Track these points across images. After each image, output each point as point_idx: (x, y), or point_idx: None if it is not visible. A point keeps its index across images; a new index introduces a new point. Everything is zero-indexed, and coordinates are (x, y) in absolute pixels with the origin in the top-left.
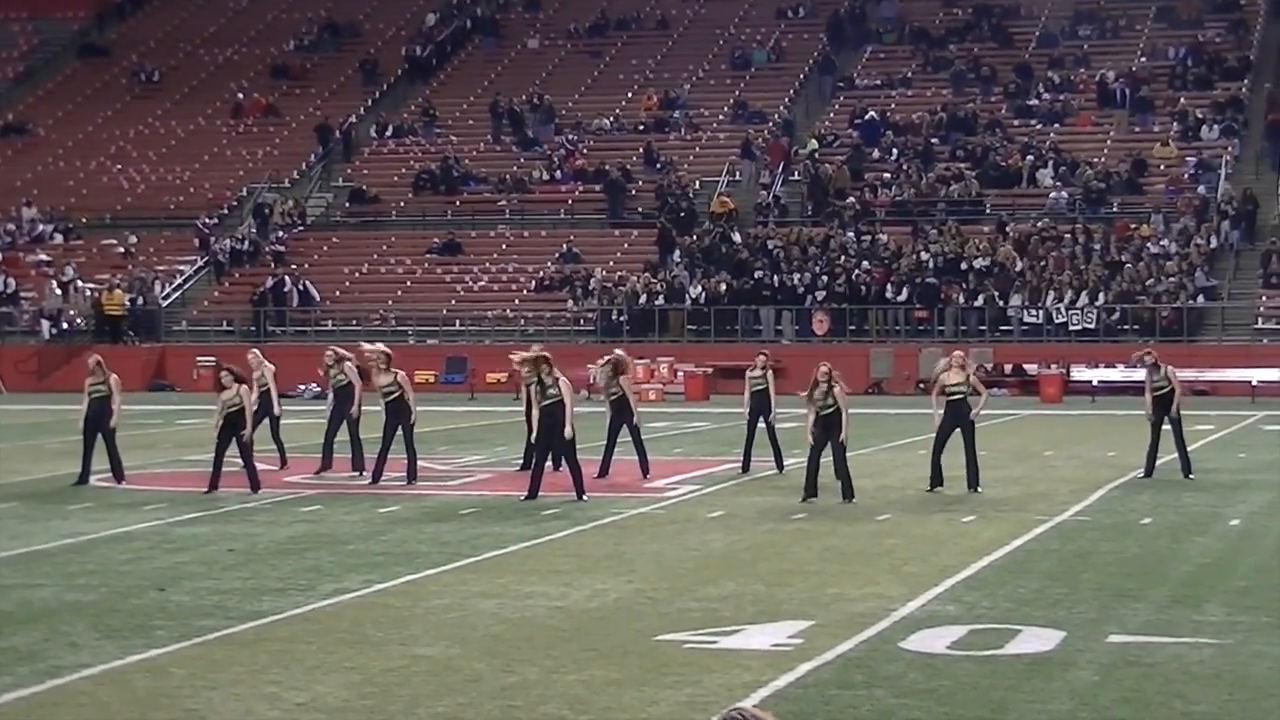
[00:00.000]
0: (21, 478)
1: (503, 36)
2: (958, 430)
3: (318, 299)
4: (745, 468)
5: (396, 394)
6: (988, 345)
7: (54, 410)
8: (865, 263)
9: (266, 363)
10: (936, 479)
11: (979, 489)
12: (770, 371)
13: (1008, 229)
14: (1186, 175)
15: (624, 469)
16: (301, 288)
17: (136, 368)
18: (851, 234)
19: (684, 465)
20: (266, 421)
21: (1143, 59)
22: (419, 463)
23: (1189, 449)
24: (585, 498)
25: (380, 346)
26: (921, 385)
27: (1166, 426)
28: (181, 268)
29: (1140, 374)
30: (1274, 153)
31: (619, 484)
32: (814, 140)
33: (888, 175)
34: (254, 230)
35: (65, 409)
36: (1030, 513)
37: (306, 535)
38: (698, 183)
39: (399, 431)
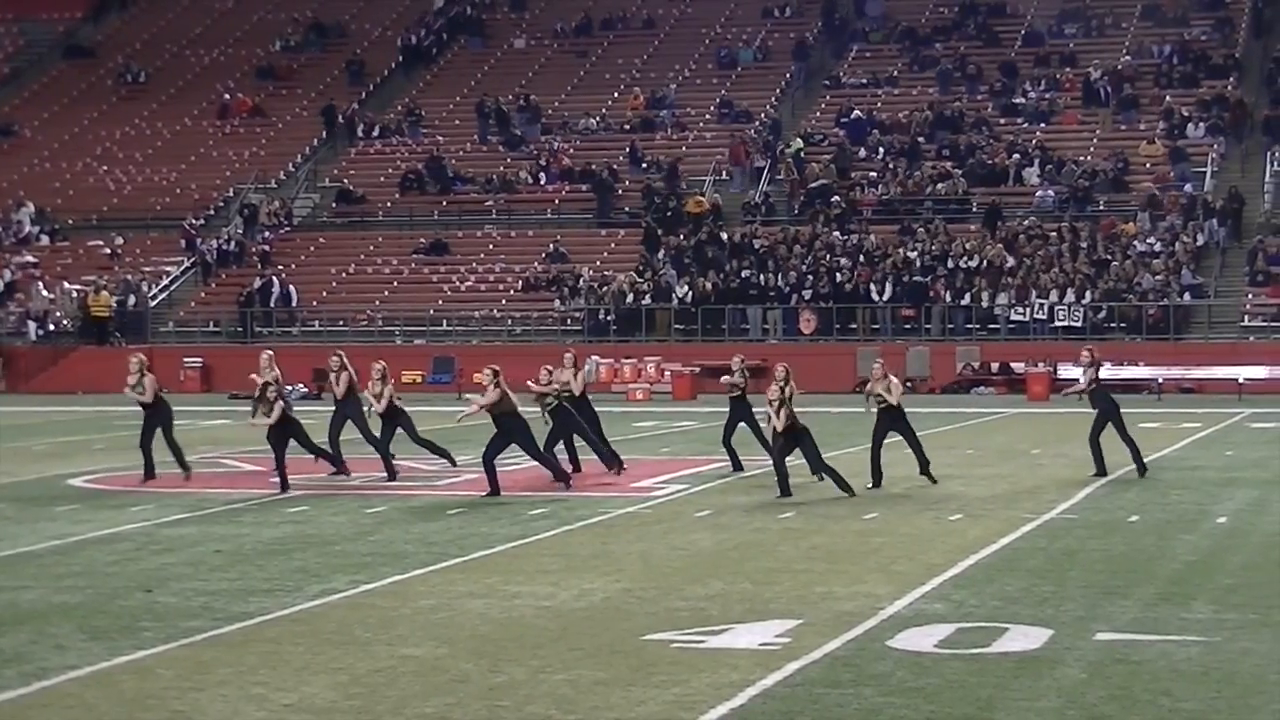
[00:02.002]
0: (8, 479)
1: (489, 36)
2: (893, 431)
3: (295, 301)
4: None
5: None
6: (975, 343)
7: (41, 412)
8: (844, 260)
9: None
10: (876, 479)
11: (930, 475)
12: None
13: (998, 224)
14: (1172, 173)
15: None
16: (284, 291)
17: (122, 369)
18: (838, 233)
19: (671, 464)
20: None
21: (1128, 57)
22: (404, 462)
23: (1142, 451)
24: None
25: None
26: (909, 384)
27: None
28: (168, 269)
29: (1125, 372)
30: (1265, 149)
31: (607, 483)
32: (799, 139)
33: (874, 174)
34: (240, 231)
35: (53, 410)
36: (1017, 511)
37: (293, 536)
38: (684, 184)
39: (393, 432)
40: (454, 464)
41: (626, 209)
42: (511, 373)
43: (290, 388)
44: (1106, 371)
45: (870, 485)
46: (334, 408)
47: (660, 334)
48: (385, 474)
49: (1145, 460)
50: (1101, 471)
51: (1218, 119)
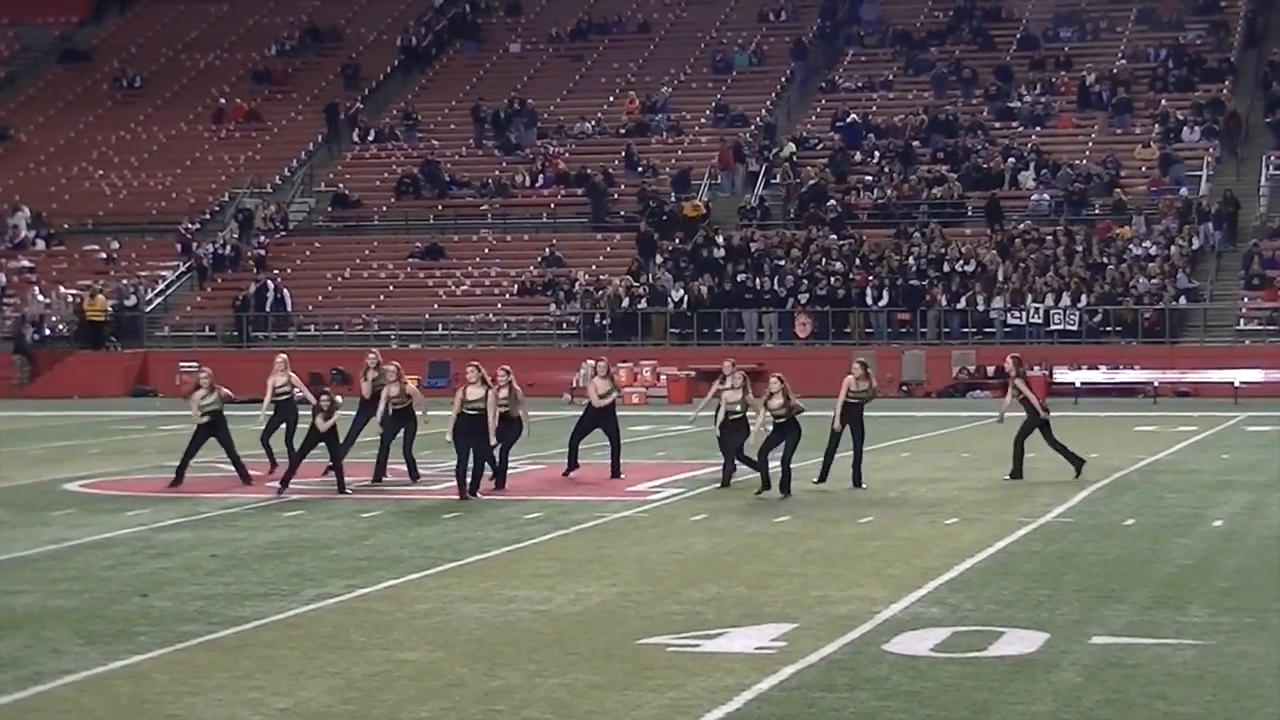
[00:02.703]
0: (4, 484)
1: (484, 41)
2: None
3: (290, 306)
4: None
5: (405, 405)
6: (970, 347)
7: (37, 416)
8: (839, 264)
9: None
10: (857, 479)
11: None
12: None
13: (999, 225)
14: (1168, 177)
15: (600, 471)
16: (279, 295)
17: (118, 373)
18: (834, 237)
19: (666, 468)
20: (263, 426)
21: (1123, 61)
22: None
23: (1073, 449)
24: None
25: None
26: (905, 388)
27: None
28: (164, 273)
29: (1122, 375)
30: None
31: (600, 487)
32: (791, 144)
33: (870, 178)
34: (235, 235)
35: (49, 414)
36: (1013, 514)
37: (289, 540)
38: (689, 187)
39: (398, 436)
40: (414, 481)
41: (622, 213)
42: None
43: None
44: (1101, 375)
45: (858, 485)
46: (358, 409)
47: (656, 338)
48: (373, 476)
49: (1082, 463)
50: (1078, 468)
51: (1213, 123)
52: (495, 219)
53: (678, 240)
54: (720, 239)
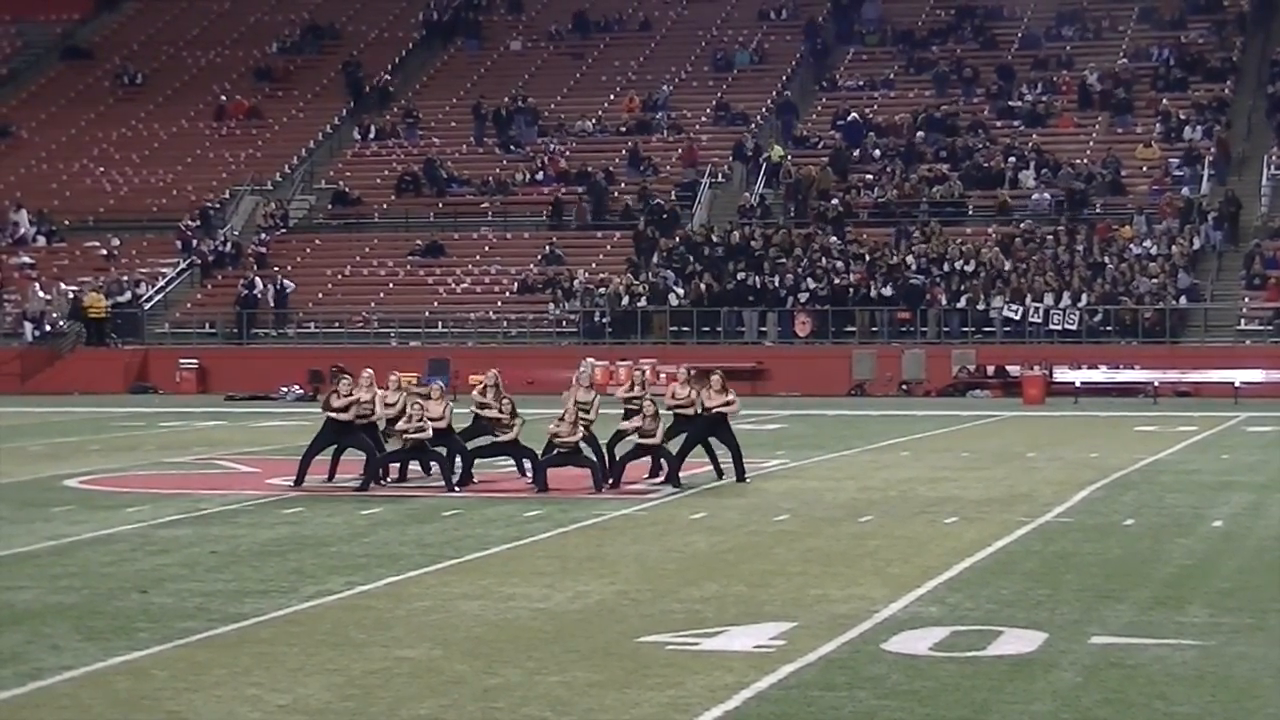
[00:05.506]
0: (5, 480)
1: (485, 38)
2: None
3: (275, 289)
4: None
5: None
6: (971, 346)
7: (37, 413)
8: (840, 263)
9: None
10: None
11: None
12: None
13: (992, 230)
14: (1169, 176)
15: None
16: (281, 293)
17: (118, 370)
18: (835, 236)
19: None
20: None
21: (1125, 60)
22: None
23: None
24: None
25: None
26: (904, 386)
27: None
28: (164, 270)
29: (1122, 375)
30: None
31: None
32: (778, 146)
33: (870, 177)
34: (236, 233)
35: (50, 410)
36: (1013, 514)
37: (289, 537)
38: (675, 191)
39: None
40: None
41: (609, 213)
42: (509, 374)
43: (285, 389)
44: (1101, 375)
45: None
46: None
47: (656, 336)
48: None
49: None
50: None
51: (1214, 121)
52: (495, 217)
53: (676, 239)
54: (714, 237)
